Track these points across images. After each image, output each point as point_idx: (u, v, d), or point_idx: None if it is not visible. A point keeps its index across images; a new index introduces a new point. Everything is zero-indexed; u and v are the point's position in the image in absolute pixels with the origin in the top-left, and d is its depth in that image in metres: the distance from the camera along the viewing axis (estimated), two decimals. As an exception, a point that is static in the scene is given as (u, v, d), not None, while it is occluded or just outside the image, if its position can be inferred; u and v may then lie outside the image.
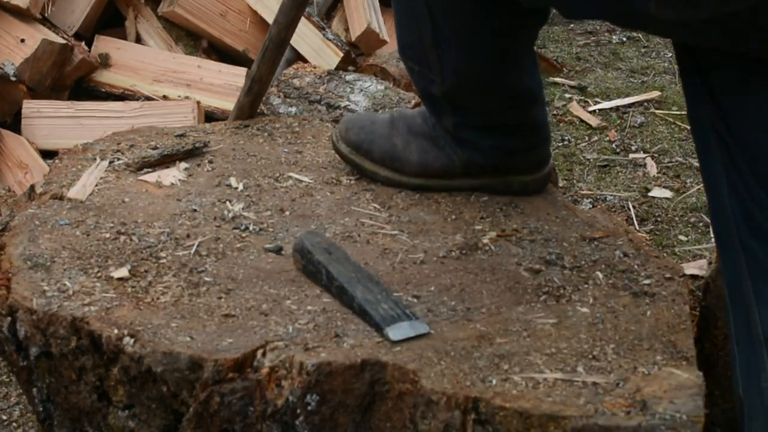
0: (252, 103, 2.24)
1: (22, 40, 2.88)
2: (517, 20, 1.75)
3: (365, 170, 1.93)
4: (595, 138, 3.32)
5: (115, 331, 1.45)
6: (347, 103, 2.98)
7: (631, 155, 3.22)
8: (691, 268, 2.51)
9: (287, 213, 1.80)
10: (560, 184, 3.03)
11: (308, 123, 2.18)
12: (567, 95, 3.82)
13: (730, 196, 1.48)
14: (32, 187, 1.88)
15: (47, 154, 2.81)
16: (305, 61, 3.26)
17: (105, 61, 3.10)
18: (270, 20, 3.30)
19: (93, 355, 1.47)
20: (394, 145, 1.92)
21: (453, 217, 1.81)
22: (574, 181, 3.11)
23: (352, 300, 1.51)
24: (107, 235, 1.69)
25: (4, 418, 2.07)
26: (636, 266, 1.64)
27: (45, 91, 2.96)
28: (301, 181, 1.91)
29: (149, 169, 1.93)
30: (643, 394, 1.32)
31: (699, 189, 3.08)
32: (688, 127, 3.47)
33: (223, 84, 3.07)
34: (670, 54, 4.14)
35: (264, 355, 1.41)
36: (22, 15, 2.94)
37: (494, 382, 1.35)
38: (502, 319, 1.51)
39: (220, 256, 1.66)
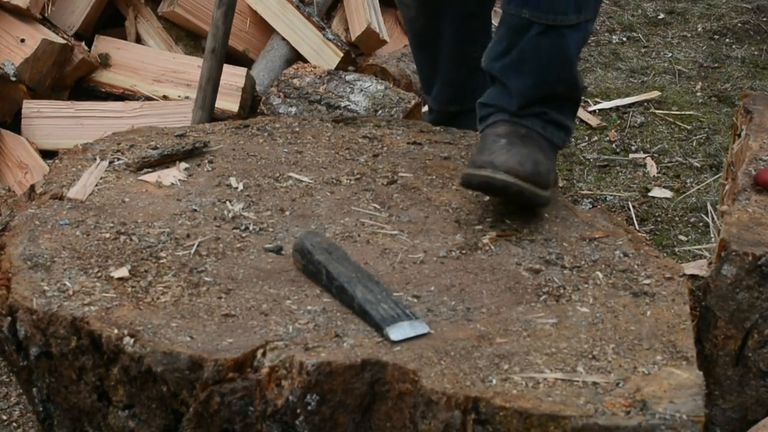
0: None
1: (22, 40, 2.88)
2: None
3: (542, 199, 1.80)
4: (595, 138, 3.32)
5: (115, 331, 1.45)
6: (347, 103, 2.98)
7: (631, 155, 3.22)
8: (691, 268, 2.51)
9: (287, 213, 1.80)
10: (560, 184, 3.03)
11: (308, 123, 2.18)
12: (567, 95, 3.81)
13: None
14: (32, 187, 1.88)
15: (47, 154, 2.81)
16: (305, 61, 3.26)
17: (105, 61, 3.10)
18: (270, 20, 3.31)
19: (93, 355, 1.47)
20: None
21: (453, 217, 1.81)
22: (574, 181, 3.11)
23: (352, 300, 1.51)
24: (107, 235, 1.69)
25: (4, 418, 2.07)
26: (636, 266, 1.64)
27: (45, 91, 2.96)
28: (301, 181, 1.91)
29: (149, 169, 1.93)
30: (643, 394, 1.32)
31: (699, 189, 3.08)
32: (688, 127, 3.48)
33: (223, 84, 3.05)
34: (670, 54, 4.14)
35: (264, 355, 1.41)
36: (22, 15, 2.93)
37: (494, 382, 1.35)
38: (502, 319, 1.51)
39: (220, 256, 1.66)
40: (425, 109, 3.18)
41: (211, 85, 2.43)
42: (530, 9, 1.96)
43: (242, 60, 3.32)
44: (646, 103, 3.61)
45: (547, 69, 1.78)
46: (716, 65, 4.08)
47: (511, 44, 1.94)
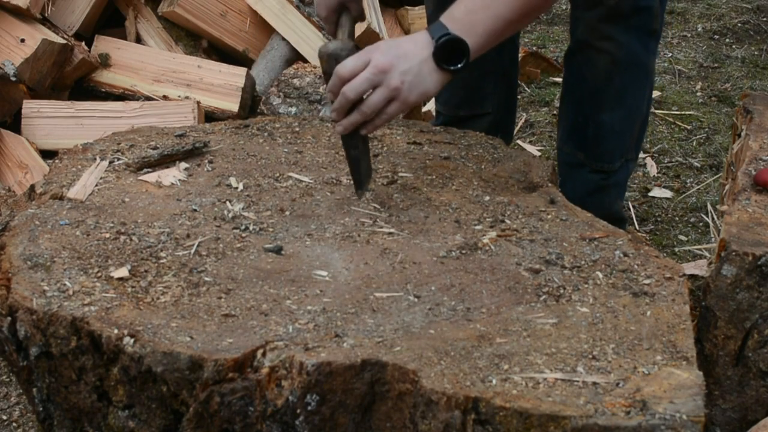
0: None
1: (22, 40, 2.88)
2: None
3: None
4: (595, 138, 3.31)
5: (115, 331, 1.45)
6: (347, 103, 2.98)
7: (631, 155, 3.22)
8: (691, 268, 2.51)
9: (287, 213, 1.80)
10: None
11: (308, 123, 2.18)
12: (567, 95, 3.80)
13: None
14: (32, 187, 1.88)
15: (47, 154, 2.81)
16: (305, 61, 3.26)
17: (105, 61, 3.10)
18: (270, 20, 3.30)
19: (93, 355, 1.47)
20: None
21: (453, 217, 1.81)
22: (574, 181, 3.10)
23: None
24: (107, 235, 1.69)
25: (4, 418, 2.07)
26: (636, 266, 1.64)
27: (45, 91, 2.96)
28: (301, 181, 1.91)
29: (149, 169, 1.93)
30: (643, 394, 1.32)
31: (699, 189, 3.08)
32: (688, 127, 3.47)
33: (223, 84, 3.07)
34: (670, 54, 4.13)
35: (264, 355, 1.41)
36: (22, 15, 2.94)
37: (494, 382, 1.35)
38: (502, 319, 1.51)
39: (220, 256, 1.66)
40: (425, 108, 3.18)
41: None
42: (585, 153, 2.43)
43: (242, 60, 3.32)
44: (646, 103, 3.60)
45: (592, 200, 2.04)
46: (716, 65, 4.08)
47: (565, 178, 2.37)
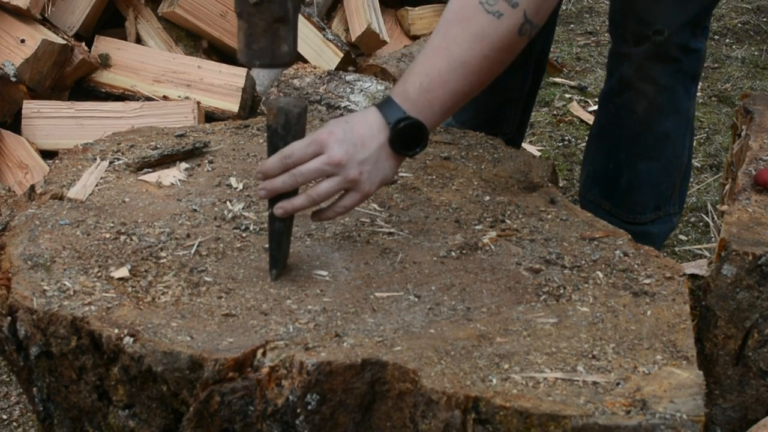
0: None
1: (22, 40, 2.88)
2: None
3: None
4: (595, 138, 3.31)
5: (115, 330, 1.45)
6: (347, 103, 2.99)
7: (631, 155, 3.21)
8: (691, 268, 2.52)
9: (287, 213, 1.80)
10: (560, 184, 3.03)
11: (308, 123, 2.17)
12: (567, 95, 3.82)
13: None
14: (32, 187, 1.88)
15: (47, 154, 2.82)
16: (305, 61, 3.26)
17: (105, 62, 3.10)
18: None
19: (93, 355, 1.47)
20: None
21: (453, 217, 1.81)
22: (574, 181, 3.11)
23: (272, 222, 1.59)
24: (107, 235, 1.69)
25: (5, 417, 2.07)
26: (636, 266, 1.65)
27: (45, 91, 2.97)
28: (301, 181, 1.91)
29: (149, 169, 1.93)
30: (643, 393, 1.33)
31: (699, 189, 3.08)
32: (688, 127, 3.46)
33: (223, 84, 3.07)
34: (670, 54, 4.13)
35: (264, 354, 1.41)
36: (22, 15, 2.94)
37: (494, 381, 1.35)
38: (502, 318, 1.51)
39: (220, 256, 1.66)
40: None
41: None
42: (612, 203, 2.19)
43: (242, 60, 3.32)
44: (646, 103, 3.60)
45: None
46: (716, 65, 4.09)
47: None
